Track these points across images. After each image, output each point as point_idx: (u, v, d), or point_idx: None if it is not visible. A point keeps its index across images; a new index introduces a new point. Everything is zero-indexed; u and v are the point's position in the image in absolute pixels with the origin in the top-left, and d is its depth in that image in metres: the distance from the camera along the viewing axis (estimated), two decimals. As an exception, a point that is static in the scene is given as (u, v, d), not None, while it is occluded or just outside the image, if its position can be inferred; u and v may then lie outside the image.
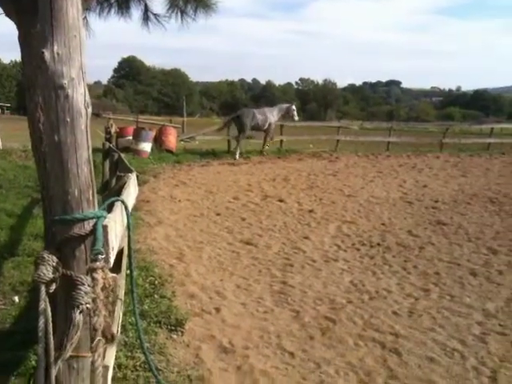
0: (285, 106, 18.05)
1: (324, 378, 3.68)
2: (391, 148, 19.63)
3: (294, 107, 17.98)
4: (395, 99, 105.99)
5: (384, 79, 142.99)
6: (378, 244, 7.27)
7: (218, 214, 8.76)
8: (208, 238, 7.33)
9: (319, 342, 4.23)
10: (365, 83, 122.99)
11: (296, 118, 18.00)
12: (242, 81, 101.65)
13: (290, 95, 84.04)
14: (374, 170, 14.45)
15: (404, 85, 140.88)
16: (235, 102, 76.48)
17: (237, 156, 15.78)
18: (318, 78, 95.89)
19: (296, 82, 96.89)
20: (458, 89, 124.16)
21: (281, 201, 9.96)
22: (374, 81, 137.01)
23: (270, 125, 16.94)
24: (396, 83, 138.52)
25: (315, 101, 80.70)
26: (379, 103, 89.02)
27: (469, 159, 17.65)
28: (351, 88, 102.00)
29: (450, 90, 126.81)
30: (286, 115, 17.81)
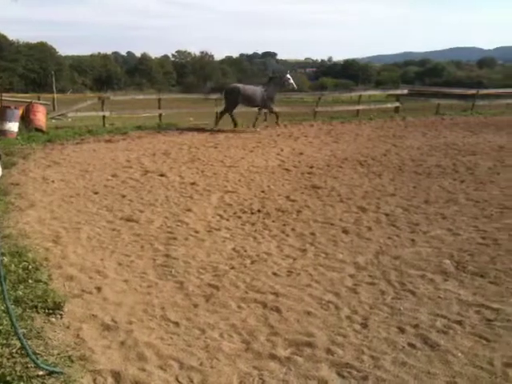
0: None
1: (209, 343, 3.77)
2: (268, 118, 20.10)
3: (288, 76, 17.64)
4: (272, 71, 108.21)
5: (260, 51, 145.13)
6: (259, 211, 7.50)
7: (96, 193, 8.46)
8: (86, 218, 7.06)
9: (203, 309, 4.31)
10: (242, 55, 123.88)
11: (295, 86, 17.77)
12: (116, 54, 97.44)
13: (167, 68, 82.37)
14: (253, 140, 14.74)
15: (280, 56, 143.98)
16: (109, 76, 73.35)
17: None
18: (195, 51, 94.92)
19: (173, 55, 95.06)
20: (330, 59, 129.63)
21: (162, 175, 9.84)
22: (250, 52, 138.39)
23: (264, 100, 16.84)
24: (272, 55, 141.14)
25: (193, 73, 79.91)
26: (257, 75, 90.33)
27: (340, 126, 18.60)
28: (229, 60, 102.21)
29: (323, 61, 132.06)
30: (283, 86, 17.52)
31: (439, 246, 5.93)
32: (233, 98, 16.85)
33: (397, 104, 22.27)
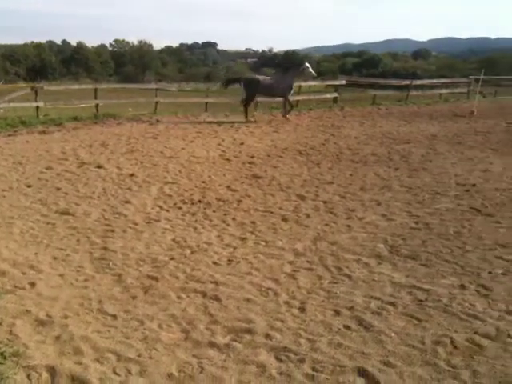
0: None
1: (147, 334, 3.74)
2: (209, 108, 20.00)
3: (307, 64, 17.72)
4: (212, 61, 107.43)
5: (200, 41, 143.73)
6: (199, 201, 7.47)
7: (29, 186, 8.16)
8: (19, 213, 6.81)
9: (142, 301, 4.28)
10: (182, 45, 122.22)
11: (314, 74, 18.09)
12: (50, 43, 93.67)
13: (105, 57, 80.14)
14: (194, 130, 14.63)
15: (220, 46, 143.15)
16: (44, 66, 70.55)
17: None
18: (134, 40, 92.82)
19: (110, 44, 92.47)
20: (270, 50, 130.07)
21: (99, 167, 9.61)
22: (190, 42, 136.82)
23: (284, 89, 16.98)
24: (212, 45, 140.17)
25: (131, 63, 78.15)
26: (197, 65, 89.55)
27: (281, 116, 18.78)
28: (168, 50, 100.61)
29: (263, 52, 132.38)
30: (302, 75, 17.81)
31: (374, 231, 6.13)
32: (252, 89, 17.01)
33: (335, 94, 22.67)
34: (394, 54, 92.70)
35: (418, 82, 25.78)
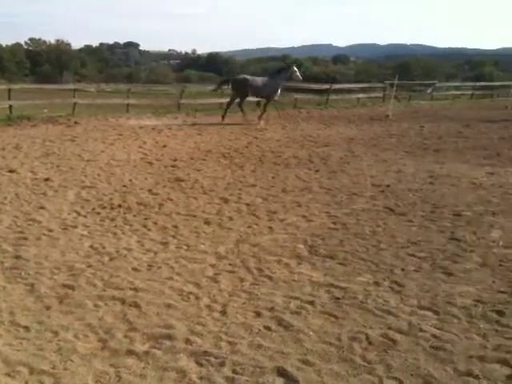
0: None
1: (62, 345, 3.60)
2: (131, 110, 19.59)
3: (294, 68, 17.76)
4: (134, 61, 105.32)
5: (122, 41, 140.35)
6: (119, 205, 7.29)
7: None
8: None
9: (57, 311, 4.10)
10: (102, 44, 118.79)
11: (300, 78, 17.97)
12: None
13: (20, 56, 76.44)
14: (114, 132, 14.25)
15: (142, 47, 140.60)
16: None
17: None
18: (51, 38, 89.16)
19: (26, 43, 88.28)
20: (194, 52, 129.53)
21: (11, 171, 9.13)
22: (111, 42, 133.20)
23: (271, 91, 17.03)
24: (134, 45, 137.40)
25: (48, 62, 75.01)
26: (118, 65, 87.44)
27: (204, 118, 18.74)
28: (88, 49, 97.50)
29: (187, 53, 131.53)
30: (290, 78, 17.65)
31: (294, 232, 6.26)
32: (241, 89, 16.92)
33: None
34: (315, 58, 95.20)
35: (337, 87, 26.64)
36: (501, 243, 5.85)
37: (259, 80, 17.55)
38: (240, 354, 3.53)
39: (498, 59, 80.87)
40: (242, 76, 18.00)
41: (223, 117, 17.07)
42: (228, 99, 17.97)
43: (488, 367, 3.42)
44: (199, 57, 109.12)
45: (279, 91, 17.71)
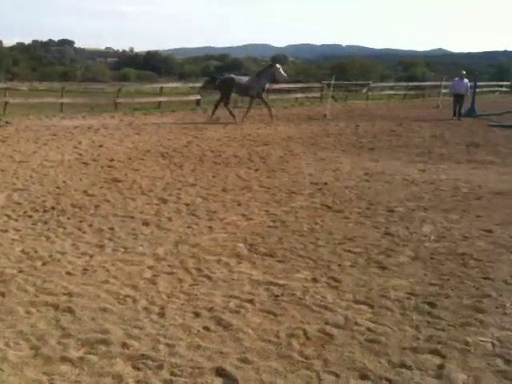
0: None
1: (-9, 356, 3.43)
2: (66, 109, 18.99)
3: (278, 66, 18.40)
4: (70, 59, 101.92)
5: (56, 38, 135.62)
6: (53, 208, 7.05)
7: None
8: None
9: (-15, 320, 3.91)
10: (35, 42, 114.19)
11: (285, 76, 18.69)
12: None
13: None
14: (47, 132, 13.78)
15: (77, 45, 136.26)
16: None
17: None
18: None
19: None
20: (131, 50, 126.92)
21: None
22: (45, 39, 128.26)
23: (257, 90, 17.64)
24: (69, 43, 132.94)
25: (-23, 60, 71.36)
26: (52, 63, 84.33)
27: (143, 117, 18.46)
28: (20, 47, 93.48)
29: (124, 51, 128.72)
30: (274, 76, 18.27)
31: (234, 231, 6.26)
32: (226, 89, 17.22)
33: (198, 97, 22.82)
34: (254, 58, 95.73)
35: (276, 86, 26.89)
36: (432, 237, 6.09)
37: (245, 79, 18.11)
38: (178, 356, 3.49)
39: (429, 60, 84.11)
40: (228, 75, 18.64)
41: (233, 115, 17.37)
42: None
43: (420, 358, 3.54)
44: (137, 55, 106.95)
45: (264, 90, 18.37)
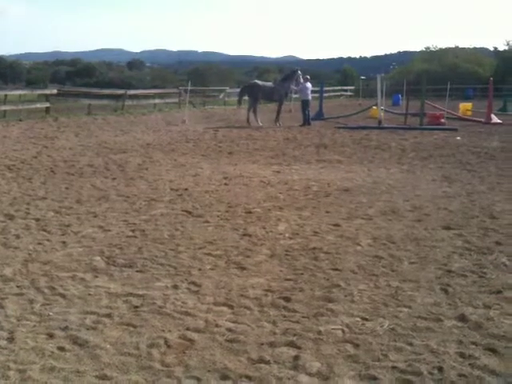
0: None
1: None
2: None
3: (299, 72, 19.13)
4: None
5: None
6: None
7: None
8: None
9: None
10: None
11: (302, 82, 19.19)
12: None
13: None
14: None
15: None
16: None
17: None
18: None
19: None
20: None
21: None
22: None
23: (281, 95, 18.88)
24: None
25: None
26: None
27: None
28: None
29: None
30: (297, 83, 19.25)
31: (90, 244, 6.01)
32: (255, 94, 18.20)
33: (47, 104, 21.57)
34: (109, 63, 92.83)
35: (133, 92, 26.43)
36: (287, 235, 6.41)
37: (270, 85, 19.25)
38: (31, 381, 3.27)
39: (281, 66, 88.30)
40: (254, 82, 19.80)
41: (248, 120, 18.53)
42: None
43: (277, 351, 3.70)
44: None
45: (288, 94, 20.06)
